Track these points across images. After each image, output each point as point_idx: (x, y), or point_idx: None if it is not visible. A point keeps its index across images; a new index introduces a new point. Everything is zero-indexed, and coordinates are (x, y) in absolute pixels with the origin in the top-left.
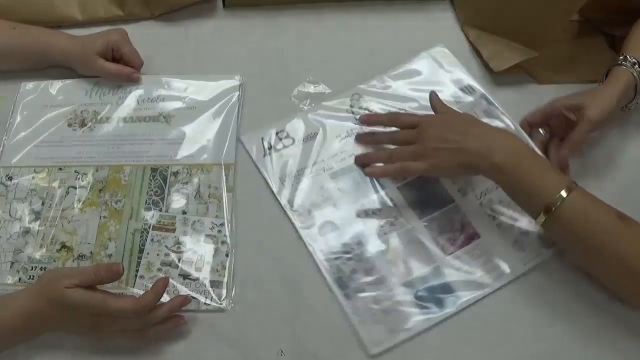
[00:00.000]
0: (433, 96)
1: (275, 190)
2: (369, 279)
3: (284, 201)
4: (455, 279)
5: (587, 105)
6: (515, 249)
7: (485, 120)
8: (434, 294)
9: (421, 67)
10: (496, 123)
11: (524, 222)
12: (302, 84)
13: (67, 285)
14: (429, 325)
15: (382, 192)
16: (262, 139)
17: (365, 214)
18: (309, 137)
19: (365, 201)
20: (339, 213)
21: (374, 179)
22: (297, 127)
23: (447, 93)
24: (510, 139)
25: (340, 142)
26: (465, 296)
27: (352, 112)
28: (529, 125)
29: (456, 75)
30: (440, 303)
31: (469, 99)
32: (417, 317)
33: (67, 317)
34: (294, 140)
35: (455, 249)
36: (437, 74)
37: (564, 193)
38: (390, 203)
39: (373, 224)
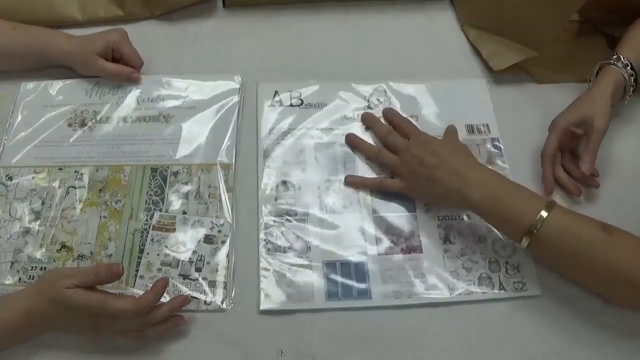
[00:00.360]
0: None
1: (260, 136)
2: (294, 244)
3: (261, 149)
4: (375, 281)
5: (591, 116)
6: (452, 276)
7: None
8: (347, 285)
9: (456, 89)
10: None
11: (470, 258)
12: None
13: (67, 285)
14: (326, 307)
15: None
16: (276, 92)
17: (326, 188)
18: (317, 105)
19: (332, 177)
20: (303, 178)
21: (353, 161)
22: (310, 93)
23: (462, 123)
24: (486, 172)
25: (341, 120)
26: (378, 302)
27: (368, 101)
28: (553, 157)
29: (480, 111)
30: (349, 295)
31: (479, 136)
32: (319, 297)
33: (67, 317)
34: (302, 102)
35: (391, 253)
36: (465, 102)
37: (543, 213)
38: (354, 189)
39: (327, 200)
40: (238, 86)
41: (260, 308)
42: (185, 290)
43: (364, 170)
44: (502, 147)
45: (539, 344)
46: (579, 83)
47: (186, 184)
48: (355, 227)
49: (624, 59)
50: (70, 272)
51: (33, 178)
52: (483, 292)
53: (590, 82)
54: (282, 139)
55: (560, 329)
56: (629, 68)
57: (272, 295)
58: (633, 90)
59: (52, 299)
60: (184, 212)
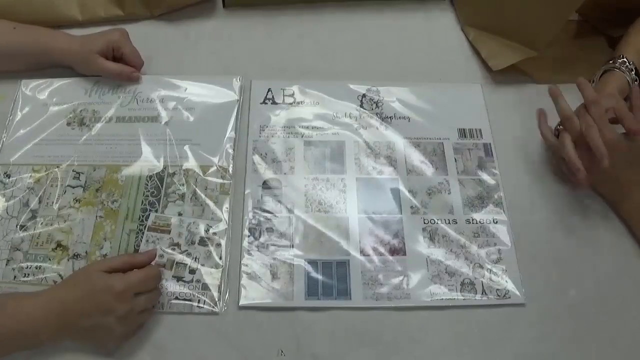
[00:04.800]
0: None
1: (251, 133)
2: (277, 241)
3: (250, 145)
4: (356, 281)
5: None
6: (435, 280)
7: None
8: (328, 284)
9: (450, 92)
10: (482, 174)
11: (454, 263)
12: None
13: (102, 268)
14: (305, 306)
15: (341, 176)
16: (270, 90)
17: (313, 187)
18: (309, 103)
19: (321, 177)
20: (290, 175)
21: (342, 160)
22: (303, 91)
23: (455, 127)
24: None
25: (332, 119)
26: (358, 302)
27: (362, 103)
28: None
29: (473, 116)
30: (329, 294)
31: (470, 140)
32: (299, 295)
33: (88, 302)
34: (294, 100)
35: (375, 254)
36: (459, 106)
37: None
38: (341, 187)
39: (314, 198)
40: (237, 88)
41: (240, 304)
42: (178, 291)
43: (352, 169)
44: (494, 152)
45: (540, 343)
46: None
47: (183, 185)
48: (339, 227)
49: (629, 62)
50: (109, 259)
51: (31, 176)
52: (464, 298)
53: (593, 82)
54: (272, 136)
55: (561, 328)
56: (633, 73)
57: (251, 292)
58: None
59: (77, 283)
60: (180, 214)
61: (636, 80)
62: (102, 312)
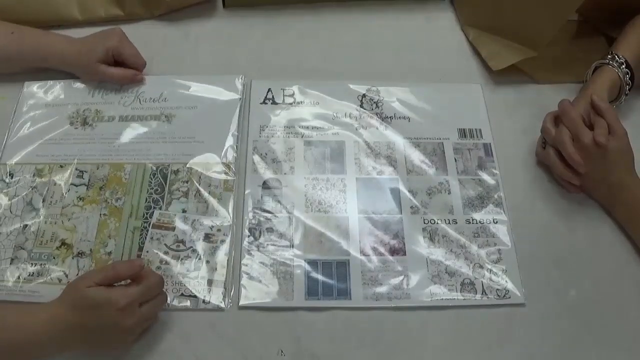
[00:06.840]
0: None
1: (251, 132)
2: (277, 241)
3: (250, 146)
4: (356, 281)
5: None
6: (435, 280)
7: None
8: (328, 284)
9: (450, 92)
10: (482, 174)
11: (454, 263)
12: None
13: (88, 285)
14: (305, 306)
15: (341, 176)
16: (270, 90)
17: (313, 187)
18: (309, 103)
19: (320, 177)
20: (290, 175)
21: (342, 160)
22: (303, 91)
23: (455, 127)
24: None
25: (332, 119)
26: (358, 302)
27: (362, 103)
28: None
29: (473, 116)
30: (329, 294)
31: (470, 140)
32: (299, 295)
33: (92, 321)
34: (294, 100)
35: (374, 254)
36: (458, 106)
37: None
38: (341, 187)
39: (314, 197)
40: (240, 87)
41: (240, 304)
42: (184, 289)
43: (352, 169)
44: (494, 152)
45: (541, 343)
46: (578, 83)
47: (186, 182)
48: (339, 227)
49: (619, 57)
50: (90, 273)
51: (34, 175)
52: (464, 298)
53: (586, 82)
54: (272, 136)
55: (561, 328)
56: (623, 66)
57: (251, 292)
58: (629, 89)
59: (75, 304)
60: (184, 211)
61: (628, 74)
62: (108, 327)
